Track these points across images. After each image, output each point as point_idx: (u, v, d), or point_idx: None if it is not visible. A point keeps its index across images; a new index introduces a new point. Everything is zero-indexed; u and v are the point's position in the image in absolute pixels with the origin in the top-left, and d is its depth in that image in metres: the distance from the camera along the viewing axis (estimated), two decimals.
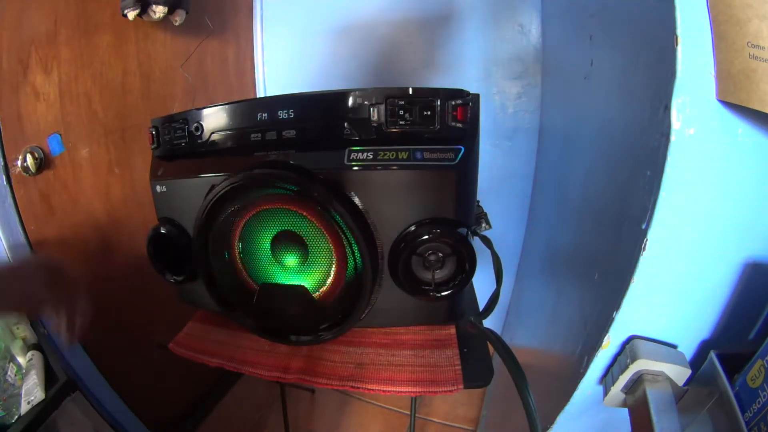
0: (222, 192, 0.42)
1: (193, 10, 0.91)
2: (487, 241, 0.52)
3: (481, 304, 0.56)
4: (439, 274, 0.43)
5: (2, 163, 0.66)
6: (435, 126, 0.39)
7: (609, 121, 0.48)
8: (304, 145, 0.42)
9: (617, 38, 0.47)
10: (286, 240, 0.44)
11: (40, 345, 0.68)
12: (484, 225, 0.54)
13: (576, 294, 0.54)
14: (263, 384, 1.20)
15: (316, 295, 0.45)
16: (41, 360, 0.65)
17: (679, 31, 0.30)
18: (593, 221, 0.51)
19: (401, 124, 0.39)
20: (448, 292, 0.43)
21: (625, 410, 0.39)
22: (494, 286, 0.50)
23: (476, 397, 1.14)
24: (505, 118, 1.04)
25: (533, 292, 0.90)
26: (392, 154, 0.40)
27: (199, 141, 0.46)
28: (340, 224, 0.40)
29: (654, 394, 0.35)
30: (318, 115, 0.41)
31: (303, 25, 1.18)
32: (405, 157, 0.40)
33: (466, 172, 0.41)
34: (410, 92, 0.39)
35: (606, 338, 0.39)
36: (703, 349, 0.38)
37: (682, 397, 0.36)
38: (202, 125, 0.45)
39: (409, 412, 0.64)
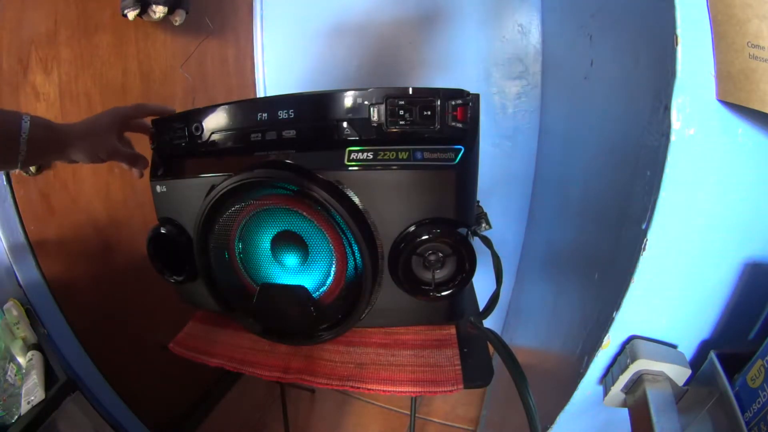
0: (222, 192, 0.42)
1: (193, 10, 0.91)
2: (487, 242, 0.52)
3: (481, 304, 0.56)
4: (439, 274, 0.43)
5: None
6: (435, 126, 0.39)
7: (609, 122, 0.48)
8: (304, 145, 0.42)
9: (617, 38, 0.47)
10: (286, 240, 0.44)
11: (40, 345, 0.67)
12: (484, 225, 0.54)
13: (576, 294, 0.54)
14: (263, 384, 1.21)
15: (316, 295, 0.45)
16: (41, 360, 0.65)
17: (679, 31, 0.30)
18: (593, 221, 0.51)
19: (401, 124, 0.39)
20: (448, 292, 0.43)
21: (625, 410, 0.39)
22: (494, 287, 0.50)
23: (476, 397, 1.14)
24: (505, 118, 1.04)
25: (533, 292, 0.90)
26: (392, 154, 0.40)
27: (199, 141, 0.46)
28: (340, 224, 0.40)
29: (654, 394, 0.35)
30: (318, 115, 0.41)
31: (303, 25, 1.18)
32: (405, 157, 0.40)
33: (466, 172, 0.41)
34: (410, 92, 0.39)
35: (606, 338, 0.39)
36: (703, 349, 0.38)
37: (682, 397, 0.36)
38: (202, 125, 0.45)
39: (409, 412, 0.65)
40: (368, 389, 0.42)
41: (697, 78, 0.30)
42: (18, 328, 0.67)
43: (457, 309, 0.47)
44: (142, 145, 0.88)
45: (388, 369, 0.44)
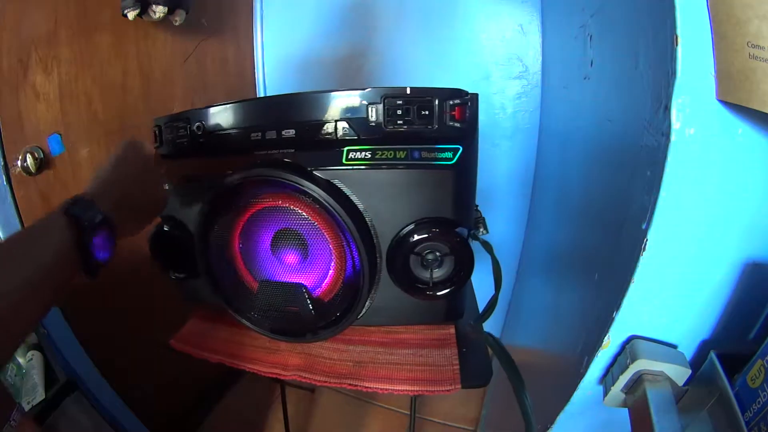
0: (223, 190, 0.42)
1: (193, 10, 0.91)
2: (487, 246, 0.52)
3: (482, 307, 0.56)
4: (437, 273, 0.43)
5: (2, 163, 0.66)
6: (433, 125, 0.40)
7: (609, 121, 0.48)
8: (303, 144, 0.42)
9: (617, 38, 0.47)
10: (286, 238, 0.44)
11: (40, 345, 0.68)
12: (481, 230, 0.54)
13: (576, 294, 0.54)
14: (263, 384, 1.21)
15: (314, 292, 0.45)
16: (41, 360, 0.65)
17: (679, 31, 0.30)
18: (593, 221, 0.51)
19: (399, 124, 0.40)
20: (446, 291, 0.43)
21: (625, 410, 0.38)
22: (493, 290, 0.50)
23: (476, 397, 1.14)
24: (505, 118, 1.04)
25: (533, 292, 0.90)
26: (390, 154, 0.40)
27: (201, 140, 0.46)
28: (338, 223, 0.40)
29: (654, 394, 0.35)
30: (317, 115, 0.41)
31: (303, 25, 1.18)
32: (403, 156, 0.40)
33: (464, 172, 0.41)
34: (408, 92, 0.39)
35: (606, 338, 0.39)
36: (703, 349, 0.38)
37: (682, 397, 0.36)
38: (203, 124, 0.46)
39: (408, 412, 0.65)
40: (366, 387, 0.43)
41: (697, 78, 0.30)
42: None
43: (456, 309, 0.47)
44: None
45: (387, 367, 0.44)
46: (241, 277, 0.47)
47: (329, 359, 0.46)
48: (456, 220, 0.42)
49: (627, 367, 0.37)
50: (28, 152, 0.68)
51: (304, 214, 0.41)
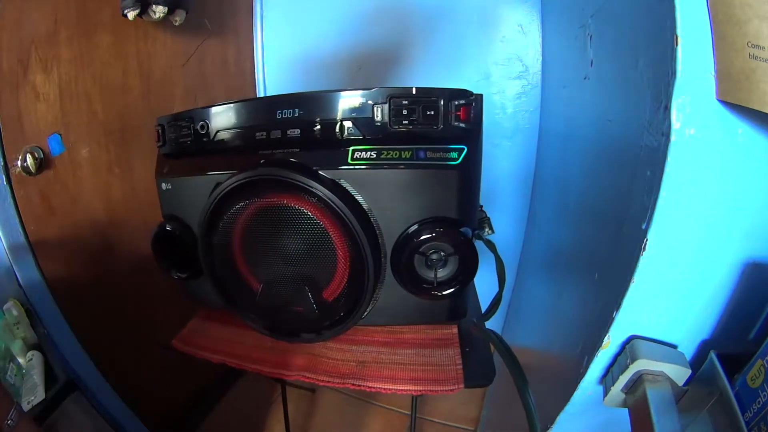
0: (227, 189, 0.42)
1: (193, 10, 0.91)
2: (491, 245, 0.53)
3: (483, 306, 0.56)
4: (441, 273, 0.43)
5: (2, 163, 0.66)
6: (438, 126, 0.40)
7: (609, 121, 0.48)
8: (308, 144, 0.42)
9: (617, 38, 0.47)
10: (290, 237, 0.44)
11: (40, 345, 0.67)
12: (487, 230, 0.54)
13: (576, 294, 0.54)
14: (264, 384, 1.21)
15: (318, 292, 0.45)
16: (41, 360, 0.65)
17: (679, 31, 0.30)
18: (593, 221, 0.51)
19: (405, 124, 0.40)
20: (450, 290, 0.43)
21: (625, 410, 0.39)
22: (496, 289, 0.50)
23: (477, 397, 1.14)
24: (505, 118, 1.04)
25: (533, 292, 0.90)
26: (395, 154, 0.40)
27: (205, 139, 0.46)
28: (343, 222, 0.40)
29: (654, 394, 0.35)
30: (322, 114, 0.41)
31: (303, 25, 1.18)
32: (408, 156, 0.40)
33: (468, 172, 0.41)
34: (414, 92, 0.39)
35: (606, 338, 0.39)
36: (703, 349, 0.38)
37: (682, 397, 0.36)
38: (207, 123, 0.46)
39: (409, 412, 0.65)
40: (370, 387, 0.43)
41: (697, 78, 0.30)
42: (18, 328, 0.67)
43: (459, 308, 0.47)
44: (142, 145, 0.89)
45: (390, 367, 0.44)
46: (245, 277, 0.47)
47: (333, 359, 0.46)
48: (460, 220, 0.42)
49: (627, 367, 0.37)
50: (28, 152, 0.68)
51: (308, 213, 0.42)
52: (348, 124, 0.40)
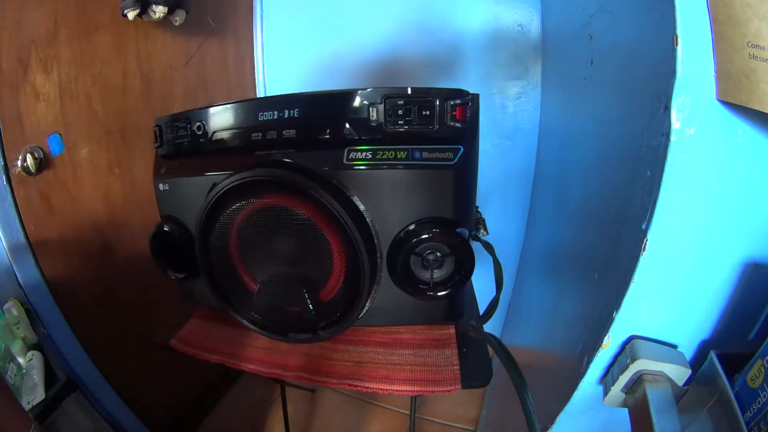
0: (223, 190, 0.42)
1: (193, 10, 0.91)
2: (489, 248, 0.52)
3: (481, 308, 0.56)
4: (438, 274, 0.43)
5: (2, 163, 0.66)
6: (434, 126, 0.39)
7: (609, 121, 0.48)
8: (303, 145, 0.42)
9: (617, 38, 0.47)
10: (286, 238, 0.44)
11: (40, 345, 0.68)
12: (482, 231, 0.54)
13: (576, 294, 0.54)
14: (263, 384, 1.21)
15: (314, 293, 0.45)
16: (41, 360, 0.65)
17: (679, 31, 0.30)
18: (593, 221, 0.51)
19: (400, 124, 0.40)
20: (447, 291, 0.43)
21: (625, 410, 0.38)
22: (494, 291, 0.50)
23: (476, 397, 1.14)
24: (505, 118, 1.04)
25: (533, 292, 0.90)
26: (391, 154, 0.40)
27: (202, 140, 0.46)
28: (338, 223, 0.40)
29: (654, 394, 0.35)
30: (318, 115, 0.41)
31: (303, 25, 1.18)
32: (404, 156, 0.40)
33: (465, 172, 0.41)
34: (409, 92, 0.39)
35: (606, 338, 0.39)
36: (703, 349, 0.38)
37: (682, 397, 0.36)
38: (204, 124, 0.46)
39: (408, 412, 0.65)
40: (367, 387, 0.43)
41: (697, 78, 0.30)
42: (18, 328, 0.67)
43: (456, 309, 0.47)
44: (142, 145, 0.89)
45: (387, 368, 0.44)
46: (242, 278, 0.47)
47: (329, 359, 0.46)
48: (457, 220, 0.42)
49: (627, 367, 0.37)
50: (28, 152, 0.69)
51: (304, 214, 0.41)
52: (344, 124, 0.40)
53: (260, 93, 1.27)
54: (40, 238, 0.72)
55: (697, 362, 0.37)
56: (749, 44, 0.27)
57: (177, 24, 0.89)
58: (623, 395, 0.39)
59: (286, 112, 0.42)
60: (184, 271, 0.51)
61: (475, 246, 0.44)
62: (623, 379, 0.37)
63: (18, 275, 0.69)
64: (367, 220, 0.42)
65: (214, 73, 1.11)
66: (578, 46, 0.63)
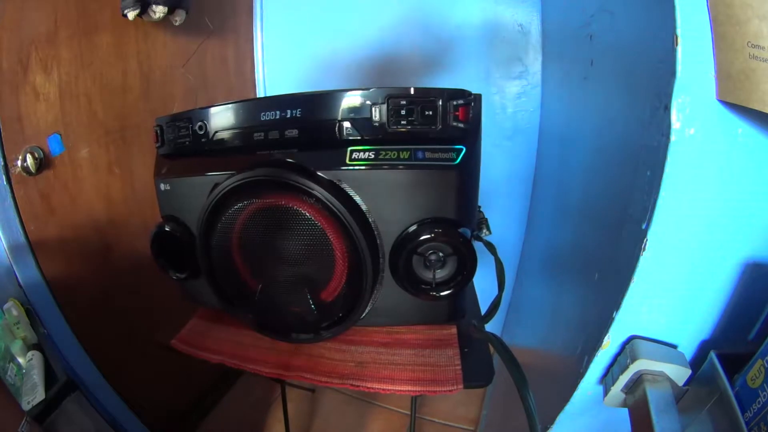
0: (225, 190, 0.42)
1: (193, 10, 0.91)
2: (491, 247, 0.52)
3: (483, 307, 0.56)
4: (440, 274, 0.43)
5: (2, 163, 0.66)
6: (436, 126, 0.40)
7: (609, 121, 0.48)
8: (306, 144, 0.42)
9: (617, 38, 0.47)
10: (288, 238, 0.44)
11: (40, 345, 0.67)
12: (484, 231, 0.54)
13: (576, 294, 0.54)
14: (263, 384, 1.21)
15: (317, 293, 0.45)
16: (41, 360, 0.65)
17: (679, 31, 0.30)
18: (593, 221, 0.51)
19: (403, 124, 0.40)
20: (449, 291, 0.43)
21: (625, 410, 0.39)
22: (495, 291, 0.50)
23: (476, 397, 1.14)
24: (505, 118, 1.04)
25: (533, 292, 0.90)
26: (394, 154, 0.40)
27: (203, 140, 0.46)
28: (341, 223, 0.40)
29: (654, 394, 0.35)
30: (320, 115, 0.41)
31: (303, 25, 1.18)
32: (406, 156, 0.40)
33: (467, 172, 0.41)
34: (412, 92, 0.39)
35: (606, 338, 0.39)
36: (703, 349, 0.38)
37: (682, 397, 0.36)
38: (205, 124, 0.46)
39: (409, 412, 0.65)
40: (368, 388, 0.43)
41: (697, 78, 0.30)
42: (18, 328, 0.67)
43: (458, 309, 0.47)
44: (142, 145, 0.89)
45: (389, 368, 0.44)
46: (243, 278, 0.47)
47: (331, 359, 0.46)
48: (459, 220, 0.42)
49: (627, 367, 0.37)
50: (28, 152, 0.68)
51: (306, 214, 0.41)
52: (346, 124, 0.40)
53: (260, 93, 1.27)
54: (40, 238, 0.72)
55: (697, 362, 0.37)
56: (749, 44, 0.27)
57: (177, 24, 0.89)
58: (623, 395, 0.39)
59: (288, 111, 0.42)
60: (185, 271, 0.51)
61: (476, 245, 0.45)
62: (623, 379, 0.38)
63: (18, 275, 0.69)
64: (370, 220, 0.42)
65: (214, 72, 1.10)
66: (578, 46, 0.63)
